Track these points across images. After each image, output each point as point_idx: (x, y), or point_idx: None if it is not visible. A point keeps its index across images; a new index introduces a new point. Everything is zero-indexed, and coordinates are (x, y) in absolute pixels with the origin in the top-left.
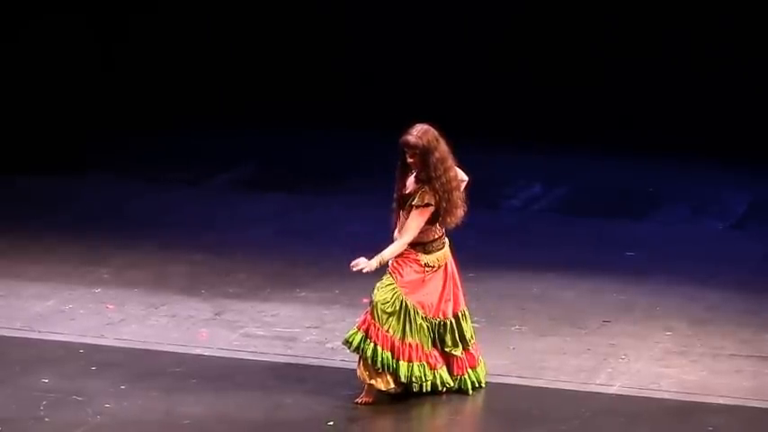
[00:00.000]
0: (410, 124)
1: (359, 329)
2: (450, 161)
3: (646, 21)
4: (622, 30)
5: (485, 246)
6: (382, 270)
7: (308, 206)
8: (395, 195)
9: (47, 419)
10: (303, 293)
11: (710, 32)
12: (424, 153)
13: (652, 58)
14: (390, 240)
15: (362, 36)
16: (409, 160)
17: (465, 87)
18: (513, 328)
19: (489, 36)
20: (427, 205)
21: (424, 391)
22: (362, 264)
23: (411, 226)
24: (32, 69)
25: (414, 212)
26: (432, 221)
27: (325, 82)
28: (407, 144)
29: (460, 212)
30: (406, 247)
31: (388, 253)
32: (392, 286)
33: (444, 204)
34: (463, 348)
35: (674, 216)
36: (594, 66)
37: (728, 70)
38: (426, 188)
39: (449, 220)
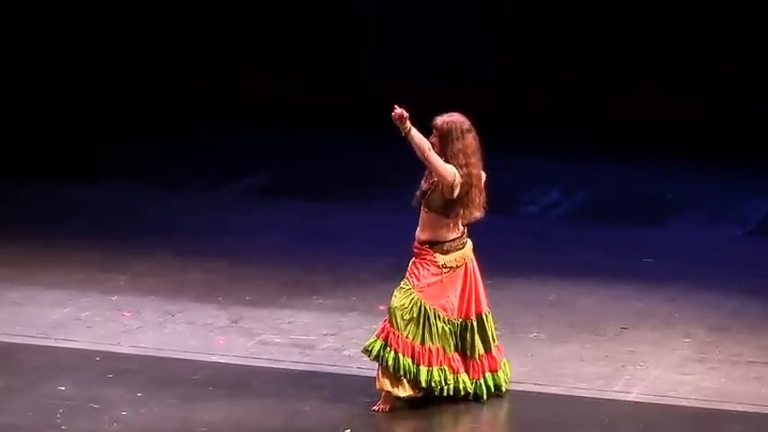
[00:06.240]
0: (425, 130)
1: (378, 338)
2: (476, 158)
3: (669, 23)
4: (645, 31)
5: (503, 252)
6: (400, 275)
7: (325, 212)
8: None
9: (63, 427)
10: (320, 300)
11: (735, 35)
12: (444, 137)
13: (672, 63)
14: (411, 245)
15: (379, 40)
16: (431, 140)
17: (479, 91)
18: (531, 335)
19: (506, 39)
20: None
21: (446, 395)
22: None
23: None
24: (47, 76)
25: None
26: (447, 213)
27: (343, 86)
28: (434, 124)
29: (477, 214)
30: (430, 155)
31: (417, 136)
32: (409, 291)
33: (463, 195)
34: (485, 350)
35: (693, 222)
36: (612, 70)
37: (749, 75)
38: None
39: (462, 212)
